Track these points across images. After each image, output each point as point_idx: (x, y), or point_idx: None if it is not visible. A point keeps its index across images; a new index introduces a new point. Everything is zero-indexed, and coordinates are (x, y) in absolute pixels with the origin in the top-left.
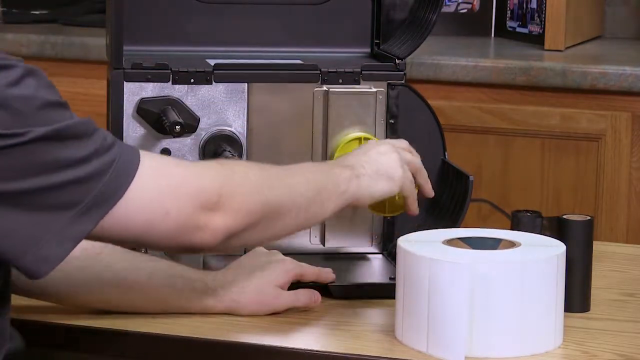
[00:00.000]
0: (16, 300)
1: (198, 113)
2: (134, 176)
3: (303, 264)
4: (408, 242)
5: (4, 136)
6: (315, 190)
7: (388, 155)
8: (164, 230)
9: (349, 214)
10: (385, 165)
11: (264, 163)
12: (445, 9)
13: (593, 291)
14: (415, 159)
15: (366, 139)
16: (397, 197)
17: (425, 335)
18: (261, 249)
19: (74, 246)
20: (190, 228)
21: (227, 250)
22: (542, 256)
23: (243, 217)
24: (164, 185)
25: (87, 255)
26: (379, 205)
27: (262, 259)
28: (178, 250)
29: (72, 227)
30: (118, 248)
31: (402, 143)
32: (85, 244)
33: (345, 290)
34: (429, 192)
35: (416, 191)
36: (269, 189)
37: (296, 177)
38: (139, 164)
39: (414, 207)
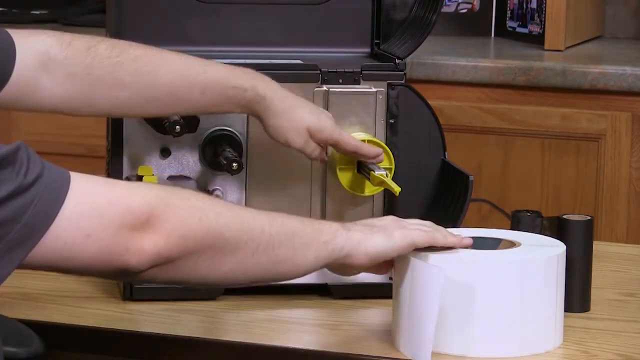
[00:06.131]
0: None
1: None
2: (56, 212)
3: (344, 134)
4: None
5: None
6: (285, 232)
7: (387, 219)
8: (86, 255)
9: (349, 214)
10: (379, 223)
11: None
12: (445, 9)
13: (593, 291)
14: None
15: (370, 141)
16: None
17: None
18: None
19: None
20: (115, 250)
21: (168, 280)
22: (542, 256)
23: (177, 241)
24: (88, 209)
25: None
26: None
27: (312, 105)
28: (107, 275)
29: None
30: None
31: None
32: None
33: (345, 290)
34: (464, 243)
35: (443, 235)
36: (215, 216)
37: (258, 214)
38: (65, 196)
39: (454, 242)
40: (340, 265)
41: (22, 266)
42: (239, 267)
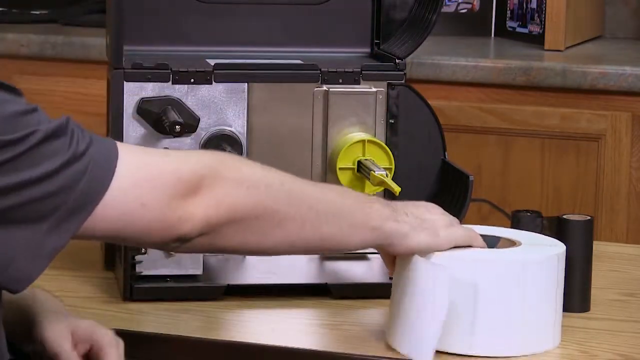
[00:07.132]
0: None
1: (198, 113)
2: (110, 180)
3: None
4: None
5: None
6: (334, 211)
7: (437, 215)
8: (142, 223)
9: None
10: (430, 217)
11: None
12: (445, 9)
13: (593, 291)
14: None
15: (370, 141)
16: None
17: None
18: None
19: (49, 261)
20: (169, 220)
21: (217, 249)
22: (542, 256)
23: (227, 209)
24: (141, 179)
25: None
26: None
27: None
28: (163, 244)
29: (45, 242)
30: None
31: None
32: None
33: (345, 290)
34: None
35: (479, 238)
36: (265, 188)
37: (309, 188)
38: (116, 164)
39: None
40: (379, 248)
41: (84, 236)
42: (286, 240)
